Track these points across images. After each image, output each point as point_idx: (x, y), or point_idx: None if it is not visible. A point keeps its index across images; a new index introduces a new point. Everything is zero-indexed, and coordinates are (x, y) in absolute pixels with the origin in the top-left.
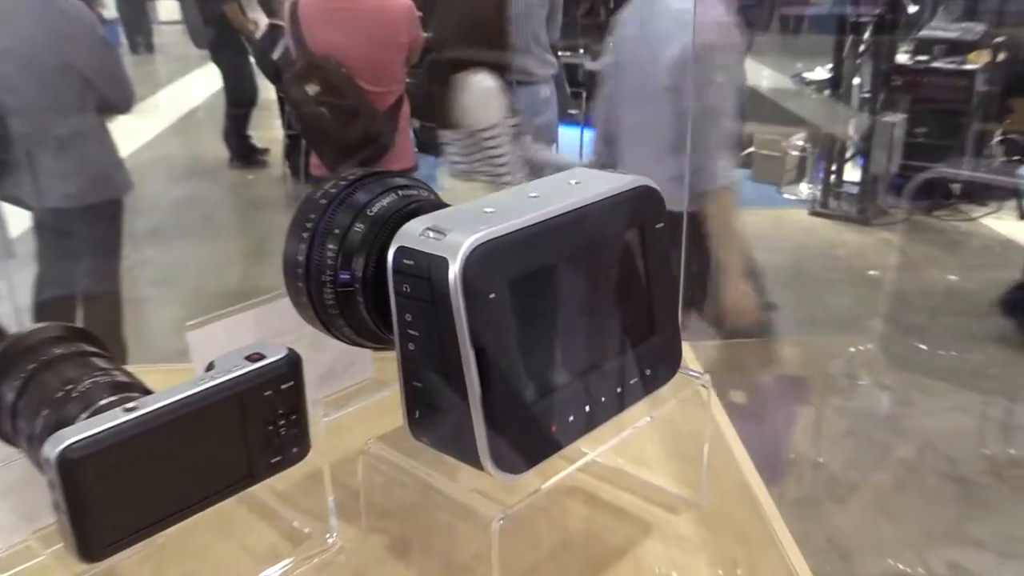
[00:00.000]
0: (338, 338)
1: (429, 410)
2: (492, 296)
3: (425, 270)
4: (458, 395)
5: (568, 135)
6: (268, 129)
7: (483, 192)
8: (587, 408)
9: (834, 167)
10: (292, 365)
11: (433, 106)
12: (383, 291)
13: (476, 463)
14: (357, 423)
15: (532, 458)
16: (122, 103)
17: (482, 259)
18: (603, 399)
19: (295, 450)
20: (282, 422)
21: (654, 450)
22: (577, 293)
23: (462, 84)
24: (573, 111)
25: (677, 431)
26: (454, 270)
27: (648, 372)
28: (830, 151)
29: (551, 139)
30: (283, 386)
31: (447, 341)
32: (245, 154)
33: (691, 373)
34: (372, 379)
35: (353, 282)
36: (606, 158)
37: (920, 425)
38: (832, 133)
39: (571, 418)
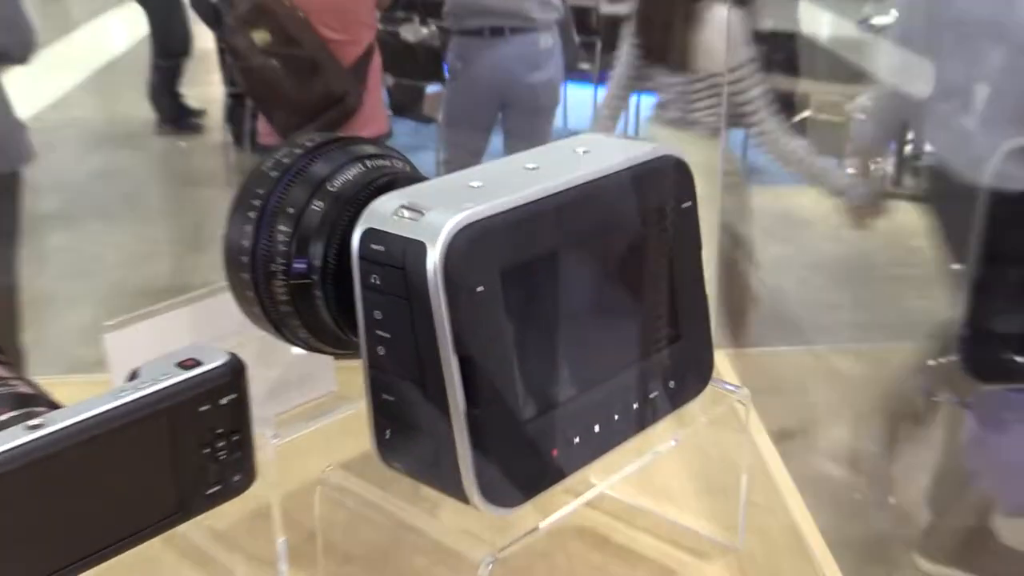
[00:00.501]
0: (291, 342)
1: (402, 430)
2: (480, 289)
3: (398, 257)
4: (438, 411)
5: (578, 96)
6: (205, 86)
7: (696, 145)
8: (597, 428)
9: (910, 135)
10: (234, 374)
11: (653, 42)
12: (347, 284)
13: (460, 495)
14: (314, 446)
15: (529, 489)
16: (18, 50)
17: (468, 244)
18: (616, 418)
19: (237, 479)
20: (221, 444)
21: (680, 481)
22: (585, 287)
23: (698, 17)
24: (584, 65)
25: (708, 458)
26: (434, 257)
27: (672, 384)
28: None
29: (552, 102)
30: (223, 399)
31: (425, 345)
32: (176, 117)
33: (725, 386)
34: (333, 393)
35: (310, 273)
36: None
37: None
38: (909, 92)
39: (577, 440)
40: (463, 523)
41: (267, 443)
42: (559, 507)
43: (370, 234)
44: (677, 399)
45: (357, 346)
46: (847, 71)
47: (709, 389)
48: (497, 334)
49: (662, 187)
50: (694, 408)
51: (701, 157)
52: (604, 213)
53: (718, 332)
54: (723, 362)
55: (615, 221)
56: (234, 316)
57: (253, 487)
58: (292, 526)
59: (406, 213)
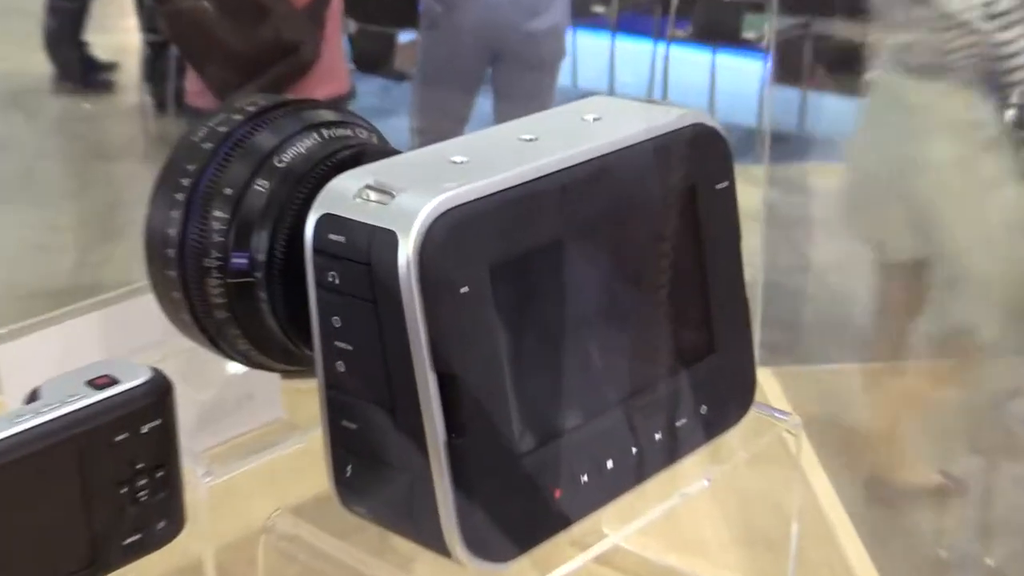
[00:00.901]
0: (229, 356)
1: (368, 465)
2: (465, 291)
3: (363, 250)
4: (412, 442)
5: (589, 46)
6: (117, 33)
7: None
8: (610, 465)
9: None
10: (158, 395)
11: None
12: (299, 283)
13: (439, 546)
14: (257, 486)
15: (525, 540)
16: None
17: (450, 233)
18: (635, 451)
19: (162, 525)
20: (143, 482)
21: (714, 531)
22: (595, 288)
23: None
24: (598, 8)
25: (750, 502)
26: (407, 250)
27: (705, 410)
28: None
29: (556, 55)
30: (144, 427)
31: (396, 359)
32: (81, 71)
33: (771, 412)
34: (280, 420)
35: (252, 269)
36: None
37: None
38: None
39: (585, 479)
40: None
41: (199, 482)
42: (562, 563)
43: (328, 221)
44: (711, 428)
45: (310, 361)
46: None
47: (751, 416)
48: (486, 346)
49: (692, 163)
50: (732, 439)
51: (954, 112)
52: (619, 196)
53: (762, 344)
54: (769, 382)
55: (633, 206)
56: (157, 324)
57: (181, 536)
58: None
59: (372, 195)
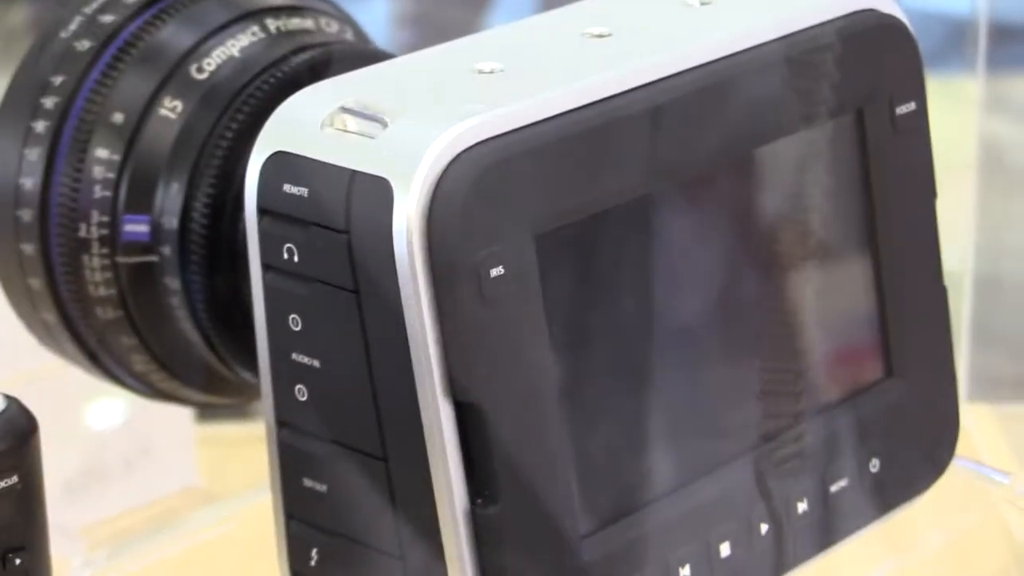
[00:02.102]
0: (119, 381)
1: (342, 549)
2: (498, 274)
3: (338, 211)
4: (414, 512)
5: None
6: None
7: None
8: (724, 552)
9: None
10: (16, 439)
11: None
12: (232, 264)
13: None
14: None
15: None
16: None
17: (476, 185)
18: (765, 531)
19: None
20: None
21: None
22: (700, 274)
23: None
24: None
25: None
26: (407, 210)
27: (876, 466)
28: None
29: None
30: None
31: (389, 381)
32: None
33: (986, 472)
34: (194, 489)
35: (157, 242)
36: None
37: None
38: None
39: (685, 573)
40: None
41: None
42: None
43: (280, 165)
44: (886, 495)
45: (248, 388)
46: None
47: (951, 477)
48: (529, 362)
49: (860, 74)
50: (920, 515)
51: None
52: (741, 128)
53: (971, 370)
54: (982, 426)
55: (762, 142)
56: (5, 325)
57: None
58: None
59: (351, 123)
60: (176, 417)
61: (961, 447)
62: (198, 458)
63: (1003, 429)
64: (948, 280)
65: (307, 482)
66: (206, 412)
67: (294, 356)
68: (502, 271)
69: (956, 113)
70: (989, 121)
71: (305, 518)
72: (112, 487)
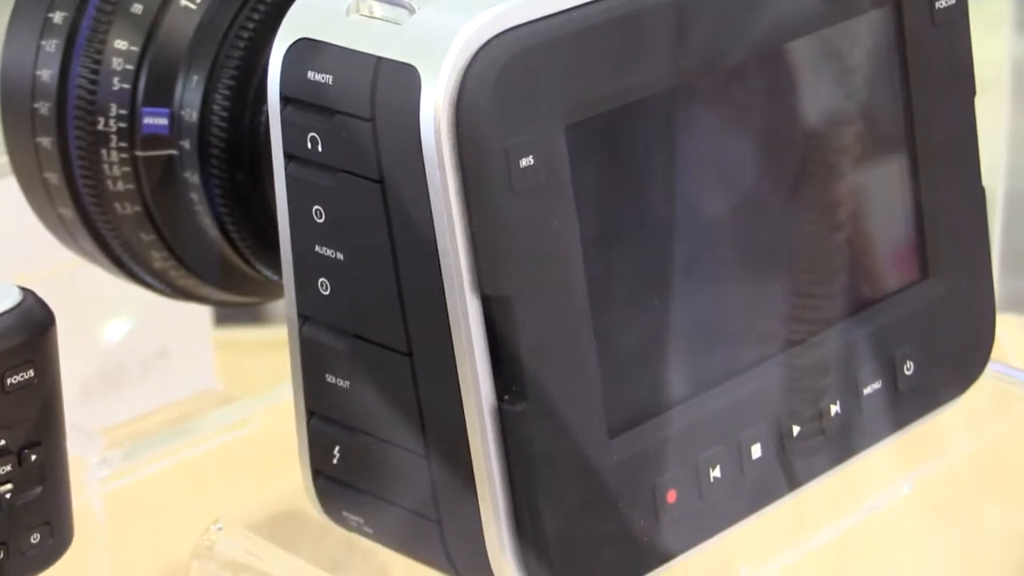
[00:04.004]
0: (137, 278)
1: (365, 447)
2: (528, 163)
3: (364, 99)
4: (440, 409)
5: None
6: None
7: None
8: (755, 453)
9: None
10: (31, 332)
11: None
12: (254, 156)
13: None
14: (182, 487)
15: (621, 572)
16: None
17: (506, 71)
18: (795, 433)
19: (35, 540)
20: (4, 470)
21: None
22: (736, 165)
23: None
24: None
25: (978, 524)
26: (436, 97)
27: (910, 369)
28: None
29: None
30: (8, 381)
31: (415, 274)
32: None
33: (1017, 375)
34: (212, 391)
35: (177, 135)
36: None
37: None
38: None
39: (714, 476)
40: None
41: (92, 478)
42: None
43: (304, 52)
44: (919, 400)
45: (269, 287)
46: None
47: (986, 383)
48: (560, 254)
49: None
50: (953, 421)
51: None
52: (774, 19)
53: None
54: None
55: (796, 34)
56: (22, 222)
57: (70, 557)
58: None
59: (377, 8)
60: (194, 320)
61: (997, 354)
62: (216, 361)
63: None
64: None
65: (329, 378)
66: (224, 316)
67: (317, 248)
68: (532, 161)
69: (987, 34)
70: (1020, 41)
71: (327, 415)
72: (130, 390)
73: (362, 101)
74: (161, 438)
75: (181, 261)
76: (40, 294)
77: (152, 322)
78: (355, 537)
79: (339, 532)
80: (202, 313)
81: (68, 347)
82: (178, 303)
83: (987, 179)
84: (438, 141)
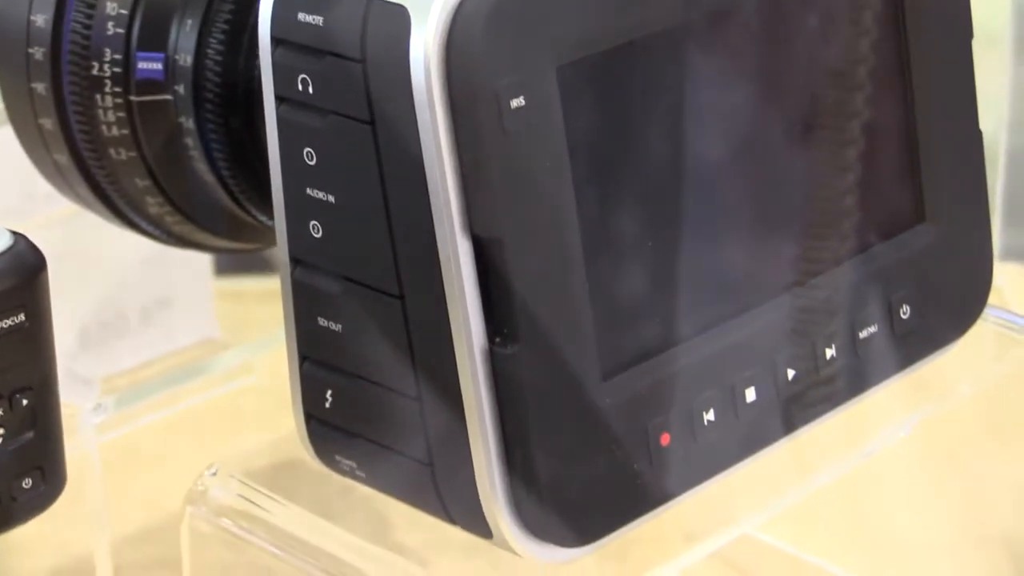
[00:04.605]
0: (133, 225)
1: (357, 391)
2: (518, 104)
3: (354, 40)
4: (431, 351)
5: None
6: None
7: None
8: (750, 397)
9: None
10: (23, 275)
11: None
12: (247, 101)
13: (475, 523)
14: (177, 434)
15: (609, 516)
16: None
17: (496, 11)
18: (790, 376)
19: (27, 485)
20: None
21: (917, 515)
22: (729, 108)
23: None
24: None
25: (976, 468)
26: (425, 37)
27: (907, 312)
28: None
29: None
30: (1, 323)
31: (406, 216)
32: None
33: (1014, 320)
34: (213, 341)
35: (171, 80)
36: None
37: None
38: None
39: (708, 419)
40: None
41: (85, 423)
42: (668, 558)
43: None
44: (916, 343)
45: (265, 234)
46: None
47: (983, 327)
48: (552, 197)
49: None
50: (950, 364)
51: None
52: None
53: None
54: (1013, 284)
55: None
56: (15, 169)
57: (60, 508)
58: None
59: None
60: (195, 269)
61: (996, 300)
62: (217, 311)
63: None
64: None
65: (321, 321)
66: (226, 265)
67: (308, 191)
68: (523, 102)
69: None
70: None
71: (319, 359)
72: (130, 338)
73: (352, 42)
74: (157, 384)
75: (176, 207)
76: (39, 242)
77: (153, 271)
78: (352, 484)
79: (336, 479)
80: (203, 262)
81: (68, 295)
82: (179, 252)
83: (990, 132)
84: (428, 82)
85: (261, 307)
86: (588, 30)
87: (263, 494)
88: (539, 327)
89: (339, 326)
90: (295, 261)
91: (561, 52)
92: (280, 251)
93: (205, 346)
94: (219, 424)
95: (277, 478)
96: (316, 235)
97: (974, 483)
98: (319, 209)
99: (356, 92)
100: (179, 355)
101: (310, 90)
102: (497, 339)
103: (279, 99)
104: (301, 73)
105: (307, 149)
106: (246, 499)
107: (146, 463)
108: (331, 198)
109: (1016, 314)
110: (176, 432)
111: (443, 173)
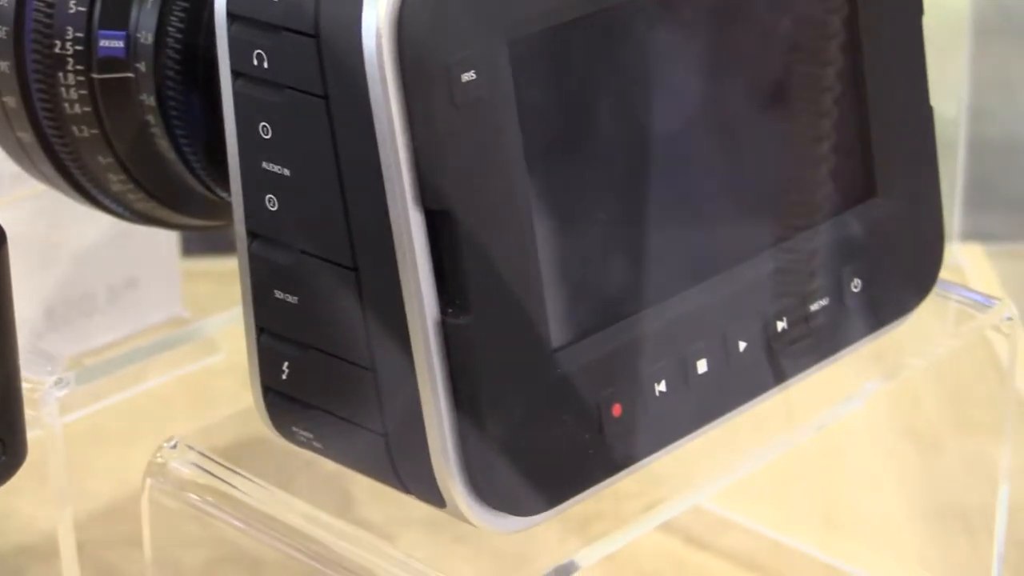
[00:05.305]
0: (96, 202)
1: (313, 363)
2: (470, 78)
3: (307, 14)
4: (385, 323)
5: None
6: None
7: None
8: (701, 368)
9: None
10: None
11: None
12: (208, 78)
13: (429, 492)
14: (139, 409)
15: (562, 486)
16: None
17: None
18: (742, 348)
19: None
20: None
21: (870, 487)
22: (682, 84)
23: None
24: None
25: (929, 441)
26: (377, 10)
27: (858, 286)
28: None
29: None
30: None
31: (359, 190)
32: None
33: (970, 296)
34: (180, 319)
35: (133, 58)
36: None
37: None
38: None
39: (660, 390)
40: (432, 550)
41: (48, 397)
42: (618, 527)
43: None
44: (868, 317)
45: (227, 208)
46: None
47: (935, 301)
48: (504, 170)
49: None
50: (902, 338)
51: None
52: None
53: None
54: (977, 264)
55: None
56: None
57: (18, 483)
58: (97, 560)
59: None
60: (162, 248)
61: (955, 280)
62: (185, 291)
63: (996, 267)
64: (943, 137)
65: (278, 294)
66: (193, 245)
67: (264, 165)
68: (474, 76)
69: None
70: None
71: (276, 331)
72: (97, 318)
73: (307, 17)
74: (120, 359)
75: (139, 184)
76: (4, 221)
77: (120, 251)
78: (317, 458)
79: (300, 453)
80: (170, 242)
81: (34, 274)
82: (146, 231)
83: (951, 117)
84: (380, 57)
85: (229, 287)
86: (540, 4)
87: (223, 466)
88: (491, 298)
89: (295, 298)
90: (252, 235)
91: (513, 27)
92: (237, 225)
93: (173, 325)
94: (188, 402)
95: (239, 452)
96: (272, 208)
97: (926, 455)
98: (275, 183)
99: (310, 67)
100: (146, 334)
101: (265, 65)
102: (449, 310)
103: (235, 74)
104: (256, 48)
105: (263, 124)
106: (207, 471)
107: (113, 442)
108: (286, 172)
109: (969, 289)
110: (144, 411)
111: (395, 147)
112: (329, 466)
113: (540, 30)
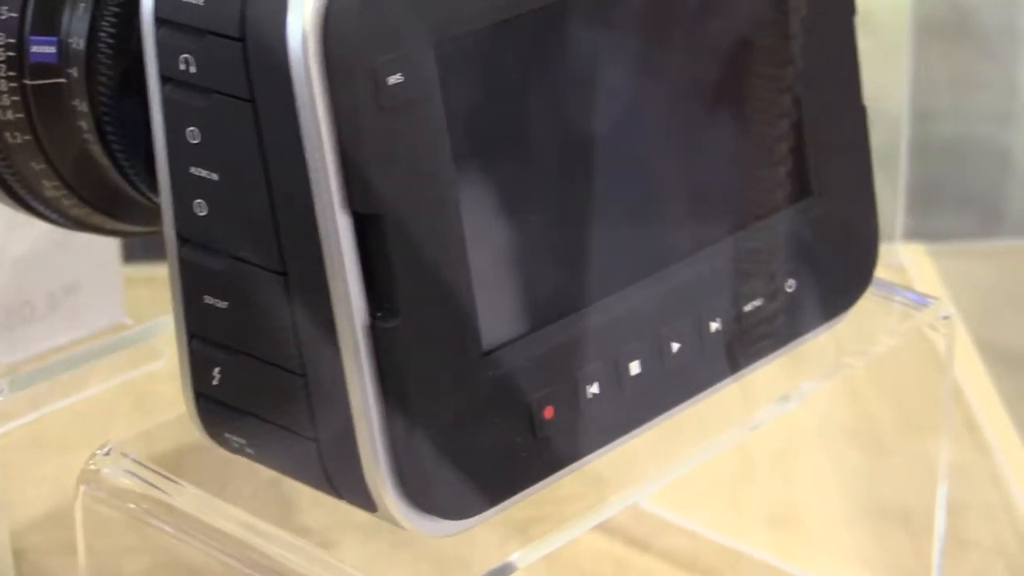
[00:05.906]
0: (30, 208)
1: (243, 368)
2: (396, 81)
3: (233, 18)
4: (314, 327)
5: None
6: None
7: None
8: (634, 370)
9: None
10: None
11: None
12: (140, 84)
13: (360, 497)
14: (83, 416)
15: (495, 489)
16: None
17: None
18: (675, 349)
19: None
20: None
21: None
22: (613, 84)
23: None
24: None
25: (867, 440)
26: (303, 15)
27: (792, 286)
28: None
29: None
30: None
31: (287, 193)
32: None
33: (907, 296)
34: (121, 326)
35: (64, 63)
36: None
37: None
38: None
39: (592, 391)
40: (371, 556)
41: None
42: (554, 529)
43: None
44: (805, 316)
45: (159, 213)
46: None
47: (871, 301)
48: (431, 172)
49: None
50: (838, 337)
51: None
52: None
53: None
54: (919, 263)
55: None
56: None
57: None
58: (37, 568)
59: None
60: (102, 254)
61: (898, 281)
62: (127, 297)
63: (938, 267)
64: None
65: (208, 299)
66: (134, 252)
67: (192, 170)
68: (401, 79)
69: None
70: None
71: (207, 336)
72: (37, 324)
73: (232, 21)
74: (57, 366)
75: (73, 190)
76: None
77: (60, 257)
78: (255, 466)
79: (237, 460)
80: (111, 248)
81: None
82: (86, 237)
83: (893, 118)
84: (306, 60)
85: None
86: (467, 6)
87: (157, 473)
88: (421, 301)
89: (225, 303)
90: (181, 239)
91: (440, 28)
92: (167, 230)
93: (115, 331)
94: (131, 408)
95: (176, 458)
96: (201, 213)
97: (873, 456)
98: (203, 188)
99: (236, 71)
100: (87, 341)
101: (192, 69)
102: (379, 314)
103: (163, 79)
104: (183, 52)
105: (190, 128)
106: (140, 478)
107: (54, 448)
108: (215, 176)
109: (912, 290)
110: (86, 417)
111: (322, 150)
112: (268, 472)
113: (467, 32)
